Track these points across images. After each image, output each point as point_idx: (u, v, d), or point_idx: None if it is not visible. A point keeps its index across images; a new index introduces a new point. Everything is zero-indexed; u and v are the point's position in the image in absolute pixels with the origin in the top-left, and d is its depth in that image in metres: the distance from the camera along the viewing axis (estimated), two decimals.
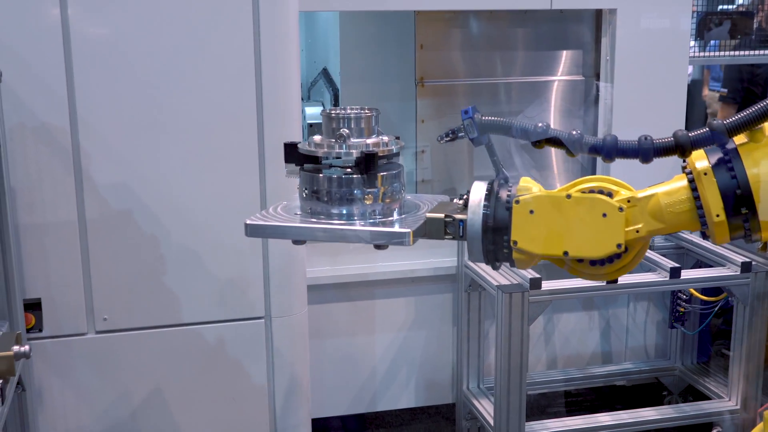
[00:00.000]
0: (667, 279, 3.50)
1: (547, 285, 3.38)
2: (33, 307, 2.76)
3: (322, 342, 3.76)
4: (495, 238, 1.65)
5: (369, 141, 1.72)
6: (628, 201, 1.64)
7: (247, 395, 3.01)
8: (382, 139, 1.75)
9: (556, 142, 1.66)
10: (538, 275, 3.38)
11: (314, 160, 1.71)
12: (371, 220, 1.68)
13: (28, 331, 2.68)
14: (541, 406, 4.20)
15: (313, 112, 4.23)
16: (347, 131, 1.71)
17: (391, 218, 1.70)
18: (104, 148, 2.75)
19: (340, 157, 1.69)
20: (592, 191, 1.67)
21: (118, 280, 2.83)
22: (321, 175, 1.69)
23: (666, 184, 1.66)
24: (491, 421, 3.55)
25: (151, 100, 2.75)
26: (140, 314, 2.88)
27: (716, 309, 3.89)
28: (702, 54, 4.97)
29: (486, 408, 3.70)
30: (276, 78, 2.83)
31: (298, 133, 2.97)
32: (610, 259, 1.66)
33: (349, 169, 1.68)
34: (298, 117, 2.98)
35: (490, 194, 1.67)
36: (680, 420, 3.67)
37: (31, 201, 2.71)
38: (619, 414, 3.65)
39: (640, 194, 1.65)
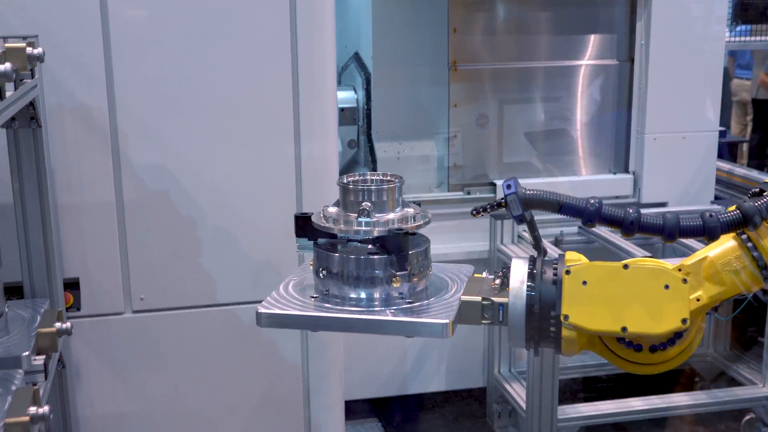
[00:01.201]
0: None
1: None
2: (71, 286, 2.79)
3: None
4: (540, 320, 1.49)
5: (394, 216, 1.55)
6: (679, 270, 1.50)
7: (282, 376, 3.03)
8: (407, 212, 1.59)
9: (609, 221, 1.51)
10: None
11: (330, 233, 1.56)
12: (398, 306, 1.50)
13: (66, 310, 2.72)
14: (573, 391, 4.19)
15: (345, 96, 4.23)
16: (369, 205, 1.54)
17: (420, 303, 1.53)
18: (141, 130, 2.77)
19: (359, 234, 1.53)
20: None
21: (155, 261, 2.86)
22: (344, 255, 1.52)
23: (713, 247, 1.53)
24: (523, 405, 3.55)
25: (188, 82, 2.77)
26: (176, 294, 2.91)
27: (751, 295, 3.86)
28: (736, 39, 4.92)
29: (518, 392, 3.70)
30: (312, 60, 2.84)
31: (333, 116, 2.98)
32: (671, 341, 1.52)
33: (370, 246, 1.52)
34: (333, 99, 2.98)
35: (533, 272, 1.52)
36: (713, 406, 3.65)
37: (70, 181, 2.74)
38: (651, 399, 3.64)
39: (689, 261, 1.52)
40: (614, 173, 4.24)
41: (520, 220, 1.55)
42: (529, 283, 1.51)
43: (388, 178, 1.62)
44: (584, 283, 1.48)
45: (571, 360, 4.05)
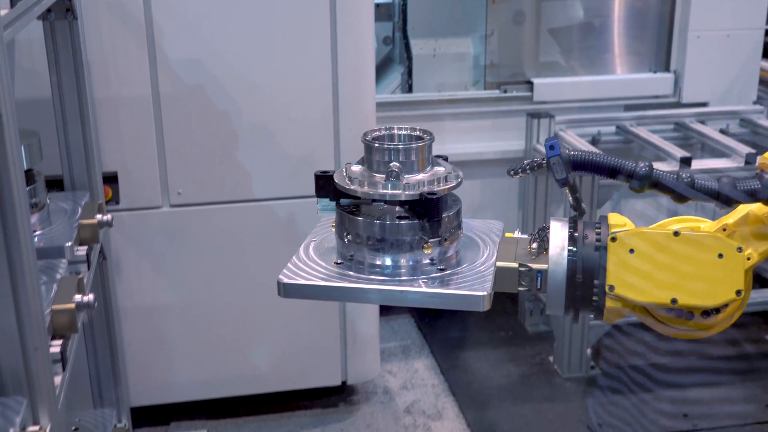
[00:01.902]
0: (742, 166, 3.43)
1: None
2: (110, 180, 2.82)
3: None
4: (581, 289, 1.40)
5: (424, 176, 1.42)
6: (723, 230, 1.42)
7: None
8: (437, 171, 1.45)
9: (660, 186, 1.40)
10: None
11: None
12: (429, 274, 1.40)
13: (105, 203, 2.75)
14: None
15: None
16: (398, 166, 1.41)
17: (452, 271, 1.42)
18: (177, 22, 2.74)
19: (386, 197, 1.41)
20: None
21: (192, 156, 2.87)
22: (371, 220, 1.41)
23: (748, 205, 1.42)
24: None
25: None
26: (213, 189, 2.93)
27: None
28: None
29: None
30: None
31: (369, 12, 2.92)
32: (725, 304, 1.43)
33: (398, 208, 1.41)
34: None
35: (573, 235, 1.42)
36: None
37: (107, 75, 2.74)
38: None
39: (731, 219, 1.43)
40: (654, 72, 4.15)
41: (563, 183, 1.43)
42: (570, 248, 1.41)
43: (417, 133, 1.49)
44: (631, 251, 1.38)
45: None
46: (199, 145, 2.87)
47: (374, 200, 1.42)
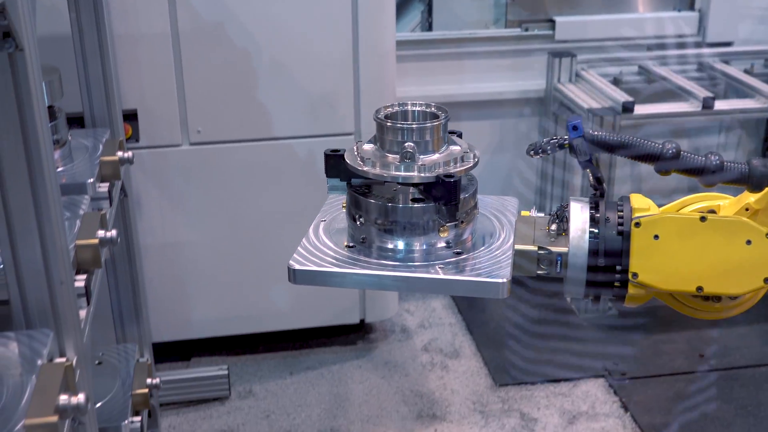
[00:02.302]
0: (766, 105, 3.39)
1: (639, 109, 3.31)
2: (130, 117, 2.82)
3: None
4: (603, 273, 1.36)
5: (439, 157, 1.36)
6: (746, 210, 1.35)
7: None
8: (453, 151, 1.38)
9: (688, 169, 1.34)
10: (630, 99, 3.31)
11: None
12: (445, 259, 1.34)
13: (125, 141, 2.75)
14: None
15: None
16: (413, 146, 1.34)
17: (469, 255, 1.36)
18: None
19: (399, 179, 1.35)
20: (711, 212, 1.38)
21: (211, 93, 2.86)
22: (384, 203, 1.35)
23: None
24: None
25: None
26: (233, 127, 2.92)
27: None
28: None
29: None
30: None
31: None
32: None
33: (412, 189, 1.35)
34: None
35: (594, 216, 1.36)
36: None
37: (125, 10, 2.72)
38: None
39: (755, 197, 1.35)
40: (679, 11, 4.08)
41: (586, 164, 1.38)
42: (591, 230, 1.35)
43: (432, 110, 1.42)
44: (656, 237, 1.32)
45: None
46: (219, 83, 2.86)
47: (385, 181, 1.36)
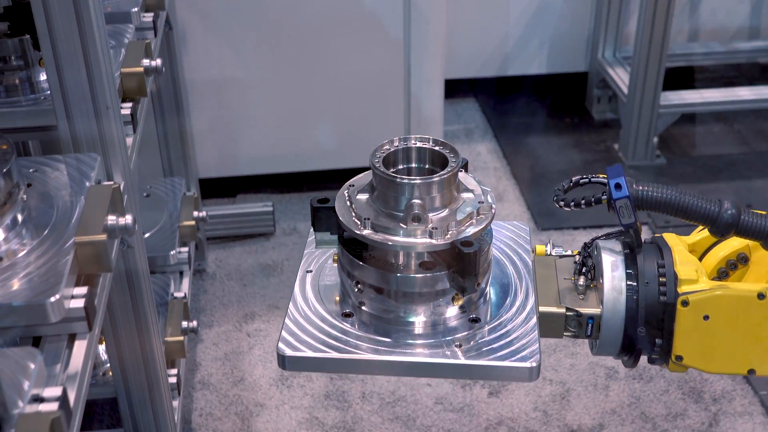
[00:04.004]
0: None
1: None
2: None
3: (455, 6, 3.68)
4: (641, 341, 1.20)
5: (452, 213, 1.14)
6: None
7: (383, 50, 3.02)
8: (466, 202, 1.16)
9: (749, 232, 1.17)
10: None
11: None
12: (462, 333, 1.15)
13: None
14: (678, 80, 4.09)
15: None
16: (422, 205, 1.12)
17: (490, 328, 1.16)
18: None
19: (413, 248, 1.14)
20: (742, 258, 1.24)
21: None
22: (392, 273, 1.14)
23: None
24: (625, 90, 3.50)
25: None
26: None
27: None
28: None
29: (621, 77, 3.63)
30: None
31: None
32: None
33: (419, 242, 1.12)
34: None
35: (631, 270, 1.19)
36: None
37: None
38: (761, 89, 3.53)
39: None
40: None
41: (629, 227, 1.20)
42: (628, 291, 1.18)
43: (439, 149, 1.19)
44: (706, 317, 1.16)
45: (679, 47, 3.91)
46: None
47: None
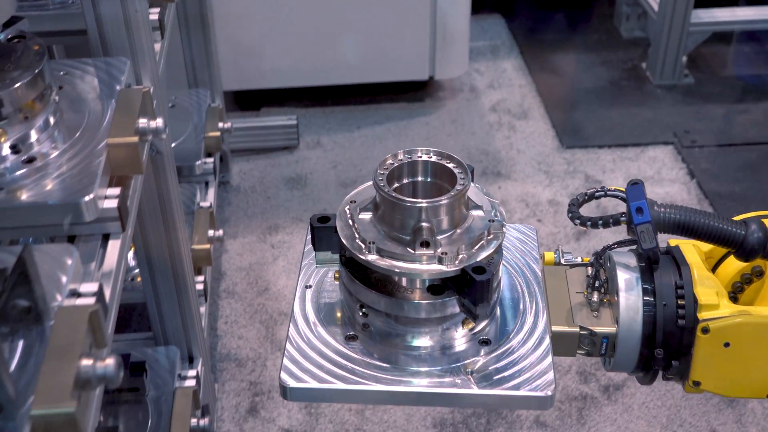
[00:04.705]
0: None
1: None
2: None
3: None
4: (657, 362, 1.16)
5: (462, 234, 1.07)
6: None
7: None
8: (475, 222, 1.09)
9: None
10: None
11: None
12: (473, 359, 1.09)
13: None
14: None
15: None
16: (430, 228, 1.05)
17: (502, 351, 1.10)
18: None
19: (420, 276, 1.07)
20: (758, 272, 1.18)
21: None
22: (399, 300, 1.07)
23: None
24: (655, 8, 3.43)
25: None
26: None
27: None
28: None
29: None
30: None
31: None
32: None
33: (426, 267, 1.05)
34: None
35: (648, 286, 1.15)
36: None
37: None
38: None
39: None
40: None
41: (650, 251, 1.14)
42: (645, 310, 1.14)
43: (447, 162, 1.11)
44: (726, 345, 1.12)
45: None
46: None
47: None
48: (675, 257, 1.17)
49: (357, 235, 1.07)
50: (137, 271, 1.94)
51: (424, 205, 1.05)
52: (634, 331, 1.14)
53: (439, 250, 1.04)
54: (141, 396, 1.66)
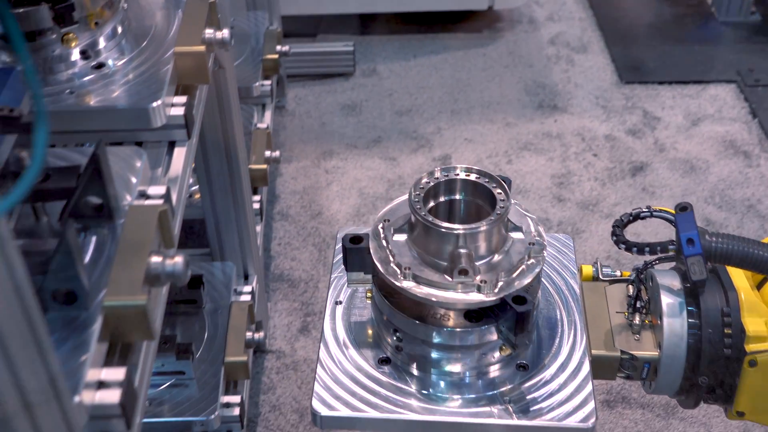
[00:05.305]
0: None
1: None
2: None
3: None
4: (700, 390, 1.13)
5: (501, 259, 1.02)
6: None
7: None
8: (516, 246, 1.04)
9: None
10: None
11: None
12: (509, 386, 1.05)
13: None
14: None
15: None
16: (470, 254, 1.00)
17: (540, 379, 1.06)
18: None
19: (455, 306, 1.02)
20: None
21: None
22: (435, 329, 1.03)
23: None
24: None
25: None
26: None
27: None
28: None
29: None
30: None
31: None
32: None
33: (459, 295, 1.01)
34: None
35: (692, 308, 1.11)
36: None
37: None
38: None
39: None
40: None
41: (700, 284, 1.10)
42: (691, 320, 1.11)
43: (486, 181, 1.06)
44: None
45: None
46: None
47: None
48: (722, 281, 1.14)
49: (392, 259, 1.03)
50: (195, 188, 1.97)
51: (462, 231, 1.00)
52: (678, 358, 1.11)
53: (478, 278, 1.00)
54: (198, 308, 1.70)
